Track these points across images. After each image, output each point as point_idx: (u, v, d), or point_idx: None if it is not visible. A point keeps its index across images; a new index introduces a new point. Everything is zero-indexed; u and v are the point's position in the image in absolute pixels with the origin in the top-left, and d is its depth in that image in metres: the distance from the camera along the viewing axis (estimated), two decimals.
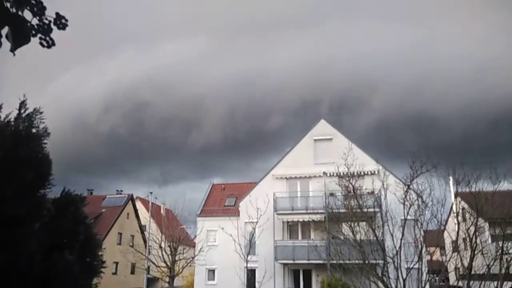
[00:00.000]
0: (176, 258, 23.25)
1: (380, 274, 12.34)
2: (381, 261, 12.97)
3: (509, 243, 12.75)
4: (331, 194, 21.61)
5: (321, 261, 20.75)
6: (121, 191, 41.76)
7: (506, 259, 12.11)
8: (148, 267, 27.84)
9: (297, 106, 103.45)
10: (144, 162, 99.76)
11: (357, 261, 13.71)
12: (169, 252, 22.93)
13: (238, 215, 25.96)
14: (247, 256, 20.27)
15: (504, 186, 13.94)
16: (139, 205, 41.63)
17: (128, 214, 38.81)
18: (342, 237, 14.95)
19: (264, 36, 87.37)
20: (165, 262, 22.68)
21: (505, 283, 11.92)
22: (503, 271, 11.88)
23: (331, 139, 25.96)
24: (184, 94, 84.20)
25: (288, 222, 25.43)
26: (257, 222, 22.49)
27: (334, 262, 16.54)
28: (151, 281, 33.89)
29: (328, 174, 23.78)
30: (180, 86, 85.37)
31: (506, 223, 13.22)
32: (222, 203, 30.19)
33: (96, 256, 7.01)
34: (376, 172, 20.55)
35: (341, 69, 77.01)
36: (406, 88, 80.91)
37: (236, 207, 27.47)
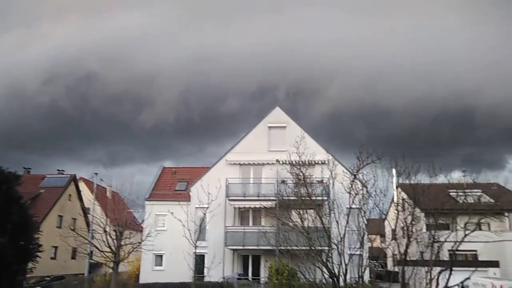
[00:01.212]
0: (122, 243, 22.41)
1: (324, 260, 12.84)
2: (326, 248, 13.50)
3: (440, 232, 13.88)
4: (283, 182, 22.06)
5: (270, 247, 21.19)
6: (63, 171, 39.36)
7: (437, 246, 13.17)
8: (91, 251, 26.60)
9: (254, 91, 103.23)
10: (89, 140, 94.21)
11: (304, 248, 14.14)
12: (114, 237, 22.02)
13: (189, 200, 25.60)
14: (197, 242, 20.12)
15: (440, 179, 15.06)
16: (82, 186, 39.52)
17: (70, 195, 36.73)
18: (291, 224, 15.30)
19: (224, 17, 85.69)
20: (109, 247, 21.75)
21: (434, 268, 12.97)
22: (433, 257, 12.92)
23: (285, 127, 26.36)
24: (135, 69, 79.90)
25: (239, 208, 25.59)
26: (208, 208, 22.35)
27: (283, 248, 16.93)
28: (94, 266, 32.48)
29: (281, 162, 24.14)
30: (131, 60, 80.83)
31: (439, 214, 14.34)
32: (172, 187, 29.58)
33: (31, 239, 6.46)
34: (326, 162, 21.27)
35: (300, 56, 78.15)
36: (362, 80, 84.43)
37: (187, 192, 27.06)
